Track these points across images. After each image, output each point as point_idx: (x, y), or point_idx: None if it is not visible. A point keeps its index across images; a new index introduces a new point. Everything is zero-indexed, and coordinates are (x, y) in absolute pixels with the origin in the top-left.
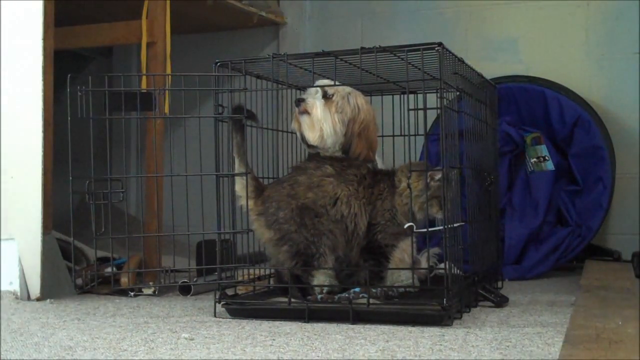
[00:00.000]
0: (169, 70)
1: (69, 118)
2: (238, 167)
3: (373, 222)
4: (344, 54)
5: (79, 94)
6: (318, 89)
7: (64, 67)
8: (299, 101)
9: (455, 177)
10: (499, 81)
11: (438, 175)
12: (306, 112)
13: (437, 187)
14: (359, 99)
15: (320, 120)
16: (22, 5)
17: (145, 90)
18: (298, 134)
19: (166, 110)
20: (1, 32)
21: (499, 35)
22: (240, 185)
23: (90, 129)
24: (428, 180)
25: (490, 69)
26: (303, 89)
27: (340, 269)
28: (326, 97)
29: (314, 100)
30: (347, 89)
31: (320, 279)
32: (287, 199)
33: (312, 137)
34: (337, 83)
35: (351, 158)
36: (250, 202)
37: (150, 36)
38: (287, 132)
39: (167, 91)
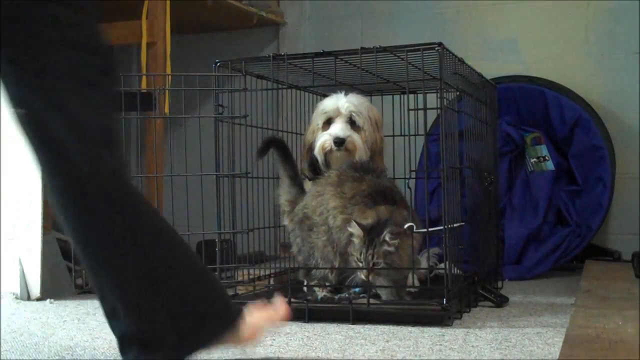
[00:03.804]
0: (169, 70)
1: None
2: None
3: None
4: (344, 54)
5: None
6: (343, 113)
7: None
8: (341, 142)
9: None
10: (499, 81)
11: (353, 230)
12: (346, 149)
13: (386, 252)
14: (373, 112)
15: (360, 152)
16: None
17: (145, 90)
18: (320, 159)
19: (166, 110)
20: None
21: (499, 35)
22: (282, 200)
23: None
24: (382, 239)
25: (490, 69)
26: (303, 89)
27: (337, 267)
28: (352, 122)
29: (353, 138)
30: (364, 102)
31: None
32: (301, 210)
33: (338, 166)
34: (352, 95)
35: (368, 169)
36: (288, 220)
37: (150, 36)
38: (287, 132)
39: (167, 91)
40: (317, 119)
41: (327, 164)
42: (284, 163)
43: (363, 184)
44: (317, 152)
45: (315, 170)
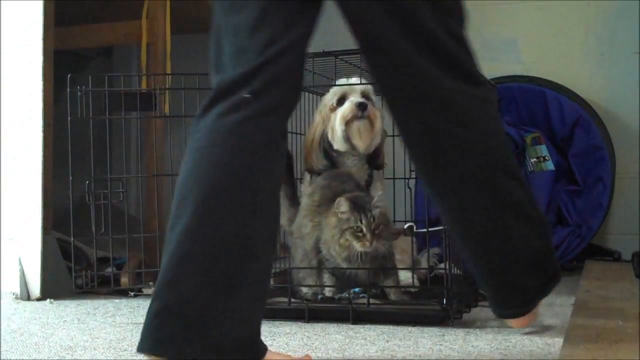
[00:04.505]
0: (169, 70)
1: (69, 118)
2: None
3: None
4: (344, 54)
5: (79, 94)
6: (357, 89)
7: (64, 67)
8: (364, 106)
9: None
10: (499, 81)
11: (342, 207)
12: (368, 118)
13: (344, 219)
14: (377, 105)
15: (378, 131)
16: (22, 5)
17: (145, 90)
18: (340, 132)
19: (166, 110)
20: (1, 32)
21: (499, 35)
22: (284, 219)
23: (90, 129)
24: (374, 204)
25: (490, 69)
26: (303, 88)
27: (336, 267)
28: (366, 99)
29: (375, 109)
30: (369, 88)
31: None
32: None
33: (362, 144)
34: (362, 81)
35: (345, 179)
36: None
37: (150, 36)
38: (287, 132)
39: (167, 91)
40: (332, 100)
41: (348, 138)
42: (285, 183)
43: (347, 184)
44: (338, 124)
45: (329, 158)
